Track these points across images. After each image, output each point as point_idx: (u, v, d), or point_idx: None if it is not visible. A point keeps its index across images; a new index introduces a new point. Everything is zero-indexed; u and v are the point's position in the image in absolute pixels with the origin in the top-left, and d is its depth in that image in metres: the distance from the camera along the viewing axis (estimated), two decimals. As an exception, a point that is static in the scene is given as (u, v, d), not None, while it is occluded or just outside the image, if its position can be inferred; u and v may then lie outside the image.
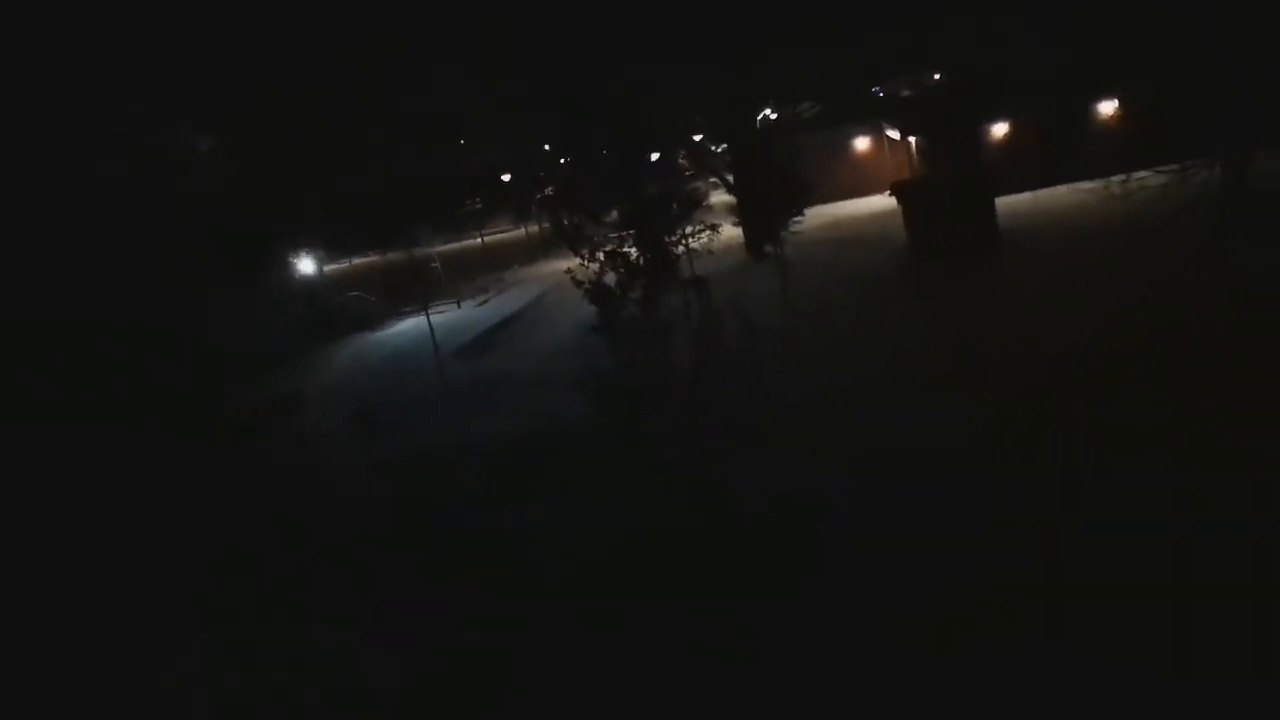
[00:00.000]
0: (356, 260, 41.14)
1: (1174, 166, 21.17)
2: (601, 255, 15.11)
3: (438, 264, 36.53)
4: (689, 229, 24.27)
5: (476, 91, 31.99)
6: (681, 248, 24.23)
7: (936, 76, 36.77)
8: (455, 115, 34.09)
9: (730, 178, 32.04)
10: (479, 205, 47.88)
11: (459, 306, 32.14)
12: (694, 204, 25.10)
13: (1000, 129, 32.74)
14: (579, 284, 13.30)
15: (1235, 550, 8.64)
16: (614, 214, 21.96)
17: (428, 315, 26.04)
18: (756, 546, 10.44)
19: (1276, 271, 16.60)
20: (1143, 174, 21.25)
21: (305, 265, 33.30)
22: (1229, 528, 9.04)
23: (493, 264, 39.53)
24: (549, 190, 32.89)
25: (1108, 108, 30.54)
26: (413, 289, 29.54)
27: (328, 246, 34.31)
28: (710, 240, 24.36)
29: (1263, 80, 18.91)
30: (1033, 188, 29.78)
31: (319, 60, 28.09)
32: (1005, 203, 26.11)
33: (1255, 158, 21.49)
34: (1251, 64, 19.04)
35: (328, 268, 38.25)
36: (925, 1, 29.75)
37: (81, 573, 13.03)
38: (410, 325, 30.13)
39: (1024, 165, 30.20)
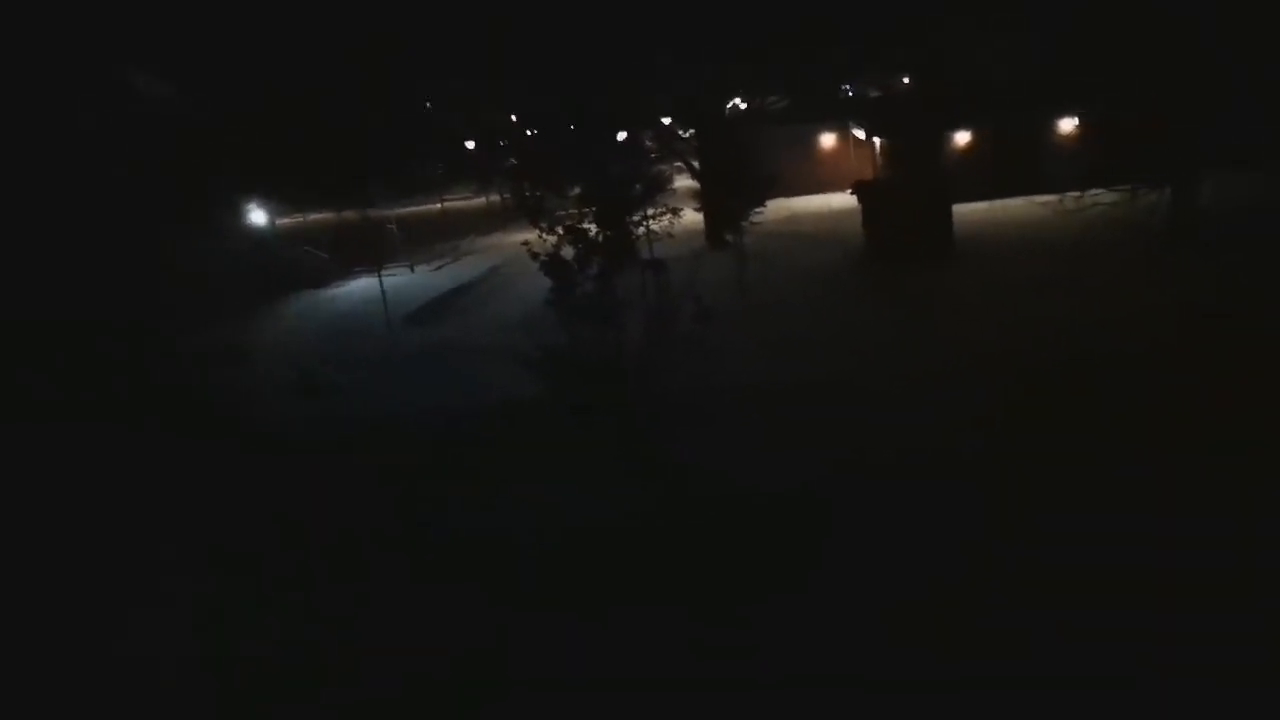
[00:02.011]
0: (311, 216, 40.34)
1: (1125, 187, 21.71)
2: (561, 229, 15.03)
3: (394, 226, 35.94)
4: (651, 211, 24.30)
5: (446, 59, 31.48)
6: (642, 229, 24.30)
7: (906, 80, 37.17)
8: (420, 74, 33.51)
9: (695, 163, 32.03)
10: (440, 170, 47.18)
11: (413, 271, 31.72)
12: (658, 186, 25.18)
13: (963, 137, 33.19)
14: (535, 256, 13.19)
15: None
16: (576, 189, 21.91)
17: (380, 277, 25.65)
18: (708, 534, 10.45)
19: (1208, 291, 17.52)
20: (1096, 192, 21.73)
21: (256, 217, 32.51)
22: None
23: (451, 231, 39.06)
24: (513, 160, 32.55)
25: (1068, 125, 31.14)
26: (367, 250, 29.06)
27: (280, 199, 33.50)
28: (671, 224, 24.42)
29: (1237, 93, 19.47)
30: (990, 197, 30.27)
31: (282, 12, 27.39)
32: (962, 210, 26.53)
33: (1203, 185, 22.14)
34: (1227, 77, 19.55)
35: (279, 221, 37.41)
36: (911, 6, 29.97)
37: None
38: (362, 286, 29.67)
39: (983, 175, 30.66)
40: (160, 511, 12.68)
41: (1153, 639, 7.63)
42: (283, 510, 11.93)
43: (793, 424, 14.00)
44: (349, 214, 31.93)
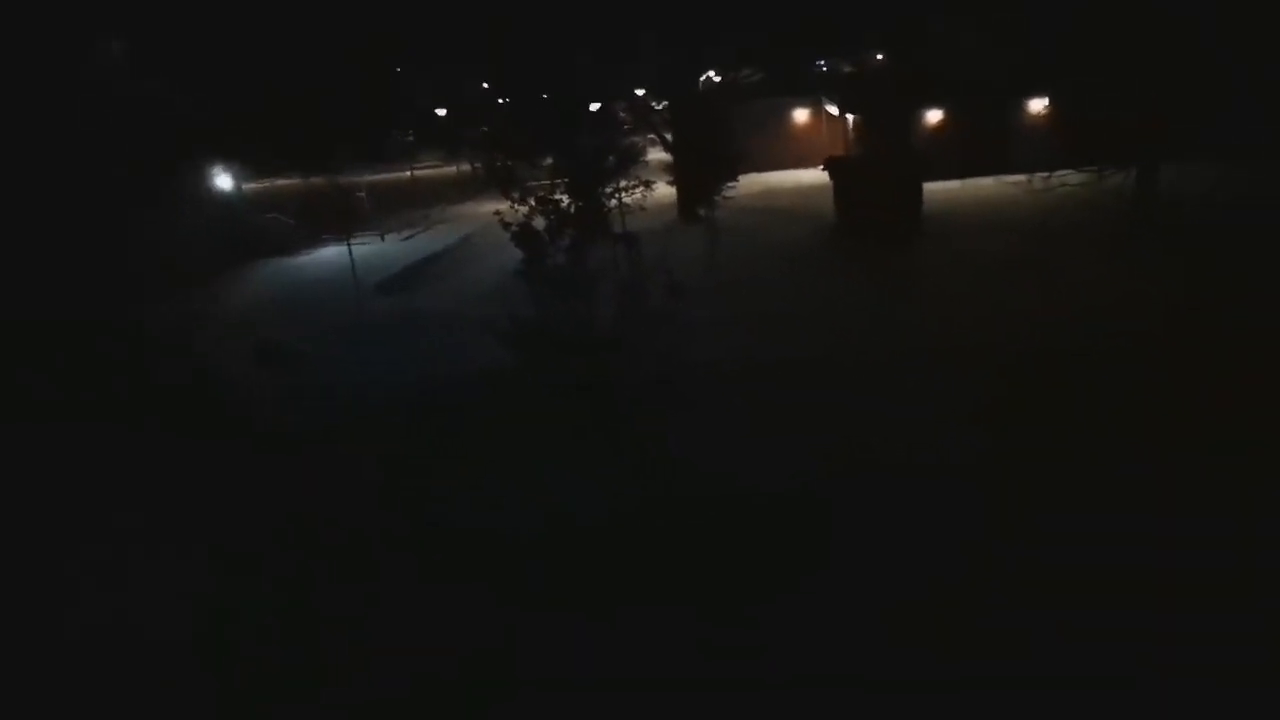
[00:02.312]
0: (279, 182, 39.69)
1: (1092, 169, 22.04)
2: (532, 200, 14.94)
3: (364, 194, 35.49)
4: (623, 183, 24.18)
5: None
6: (614, 201, 24.17)
7: (879, 57, 37.19)
8: (393, 40, 33.00)
9: (669, 136, 31.91)
10: (411, 138, 46.62)
11: (383, 240, 31.38)
12: (631, 159, 25.02)
13: (935, 116, 33.33)
14: (507, 226, 13.13)
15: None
16: (548, 160, 21.71)
17: (349, 245, 25.36)
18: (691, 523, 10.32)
19: (1170, 271, 17.94)
20: (1064, 173, 22.02)
21: (223, 182, 31.92)
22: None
23: (422, 200, 38.62)
24: (484, 129, 32.19)
25: (1038, 106, 31.38)
26: (336, 217, 28.67)
27: (247, 164, 32.91)
28: (644, 197, 24.33)
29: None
30: (960, 176, 30.49)
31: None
32: (933, 188, 26.73)
33: (1161, 170, 22.55)
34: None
35: (247, 186, 36.78)
36: None
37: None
38: (330, 254, 29.32)
39: (954, 154, 30.86)
40: (130, 487, 12.56)
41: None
42: (248, 489, 11.87)
43: (769, 406, 13.93)
44: (318, 181, 31.48)
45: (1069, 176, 21.93)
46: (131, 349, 18.57)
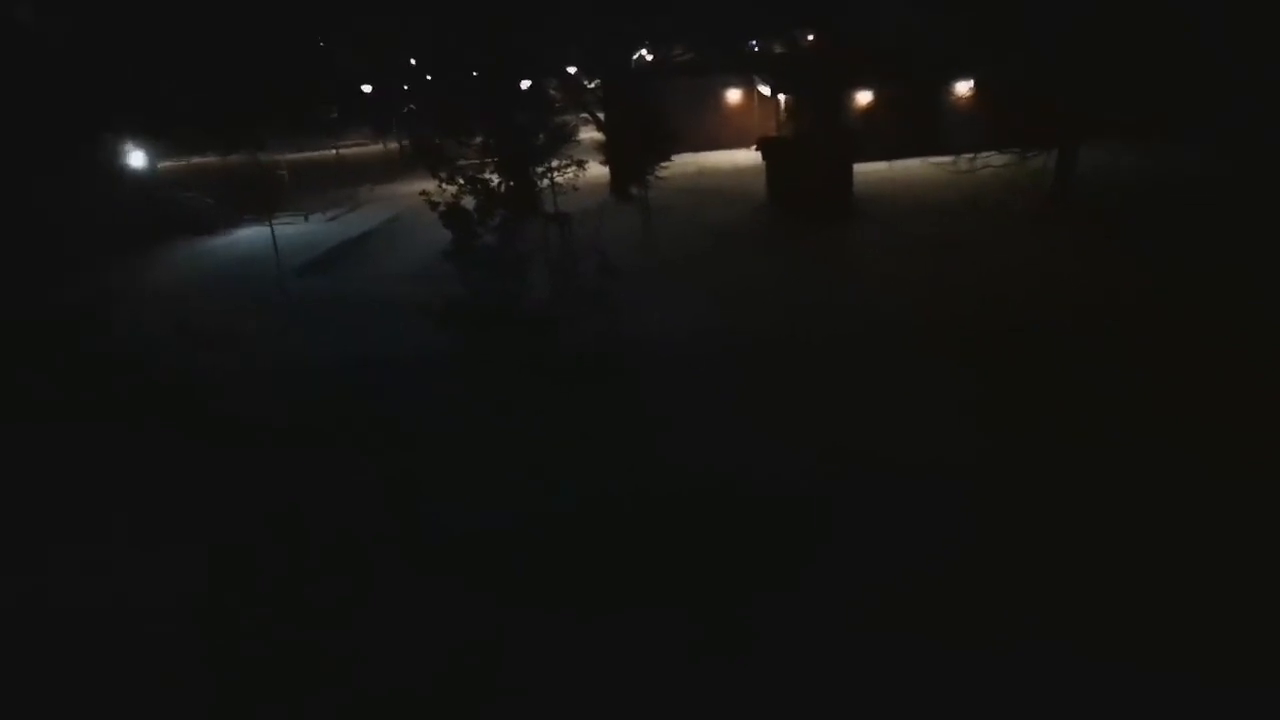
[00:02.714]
0: (195, 159, 38.27)
1: (1015, 151, 22.58)
2: (461, 180, 14.64)
3: (286, 173, 34.42)
4: (555, 163, 23.91)
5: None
6: (546, 181, 23.91)
7: (810, 37, 37.36)
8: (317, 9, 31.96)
9: (601, 115, 31.65)
10: (335, 116, 45.35)
11: (307, 220, 30.50)
12: (562, 137, 24.77)
13: (865, 98, 33.69)
14: (434, 206, 12.83)
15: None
16: (478, 138, 21.33)
17: (271, 226, 24.58)
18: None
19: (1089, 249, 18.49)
20: (988, 154, 22.52)
21: (136, 158, 30.64)
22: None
23: (347, 179, 37.64)
24: (412, 106, 31.49)
25: (964, 88, 31.95)
26: (257, 197, 27.74)
27: (162, 138, 31.61)
28: (576, 176, 24.10)
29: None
30: (890, 158, 30.92)
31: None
32: (863, 169, 27.05)
33: (1080, 149, 23.21)
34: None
35: (162, 164, 35.38)
36: None
37: None
38: (252, 234, 28.38)
39: (884, 135, 31.26)
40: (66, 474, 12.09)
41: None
42: (188, 471, 11.49)
43: (694, 382, 13.96)
44: (238, 158, 30.40)
45: (993, 158, 22.44)
46: (46, 328, 17.83)
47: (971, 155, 22.77)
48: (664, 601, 8.25)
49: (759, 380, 13.76)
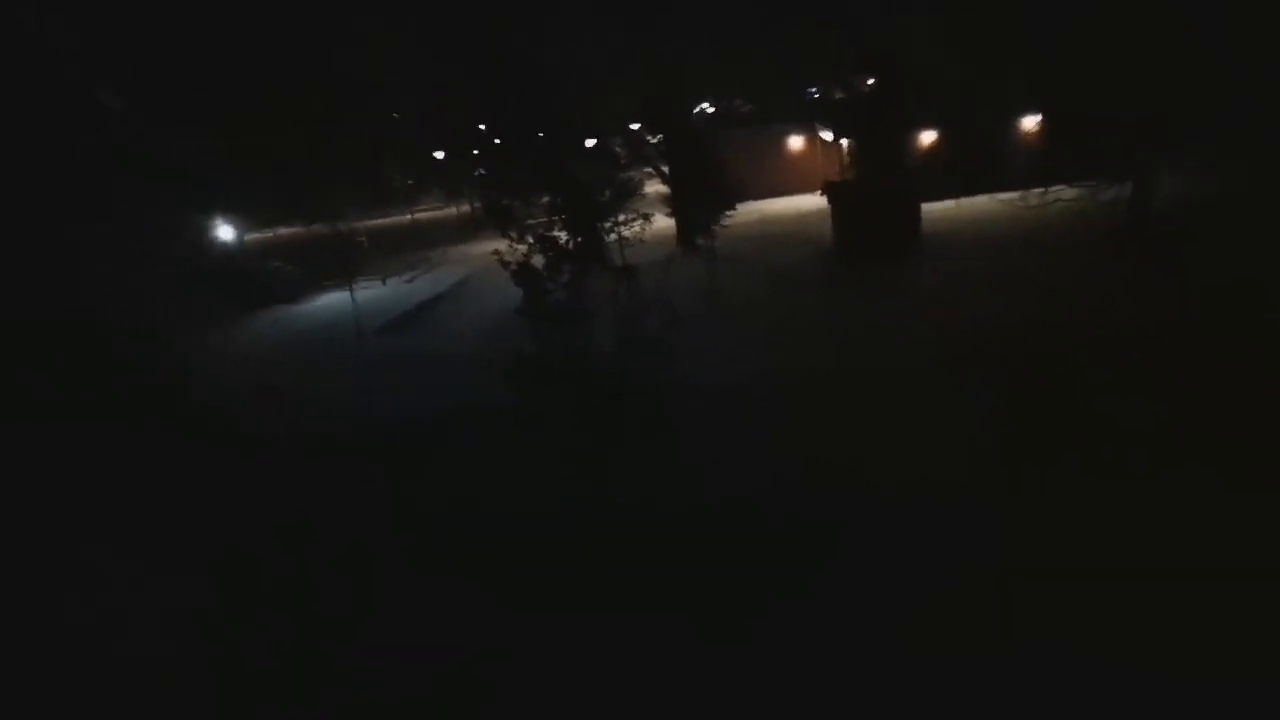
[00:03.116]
0: (281, 231, 40.10)
1: (1088, 183, 22.12)
2: (530, 238, 15.04)
3: (365, 239, 35.80)
4: (621, 217, 24.40)
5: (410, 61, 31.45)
6: (613, 235, 24.38)
7: (870, 81, 37.51)
8: (387, 84, 33.44)
9: (665, 169, 32.19)
10: (410, 183, 47.14)
11: (384, 284, 31.60)
12: (628, 193, 25.27)
13: (929, 137, 33.60)
14: (505, 265, 13.21)
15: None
16: (546, 197, 21.90)
17: (352, 291, 25.55)
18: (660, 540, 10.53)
19: (1161, 285, 18.01)
20: (1058, 188, 22.13)
21: (224, 233, 32.29)
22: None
23: (421, 242, 38.95)
24: (481, 170, 32.47)
25: (1030, 123, 31.62)
26: (338, 264, 28.91)
27: (251, 214, 33.30)
28: (642, 229, 24.53)
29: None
30: (955, 196, 30.67)
31: (246, 22, 27.28)
32: (929, 209, 26.89)
33: (1158, 182, 22.59)
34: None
35: (249, 236, 37.18)
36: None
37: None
38: (334, 300, 29.53)
39: (948, 174, 31.07)
40: (137, 511, 12.72)
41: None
42: (247, 510, 11.95)
43: (761, 427, 14.13)
44: (319, 228, 31.78)
45: (1063, 192, 22.03)
46: (135, 393, 18.75)
47: (1042, 190, 22.42)
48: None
49: (800, 417, 14.40)
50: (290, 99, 28.20)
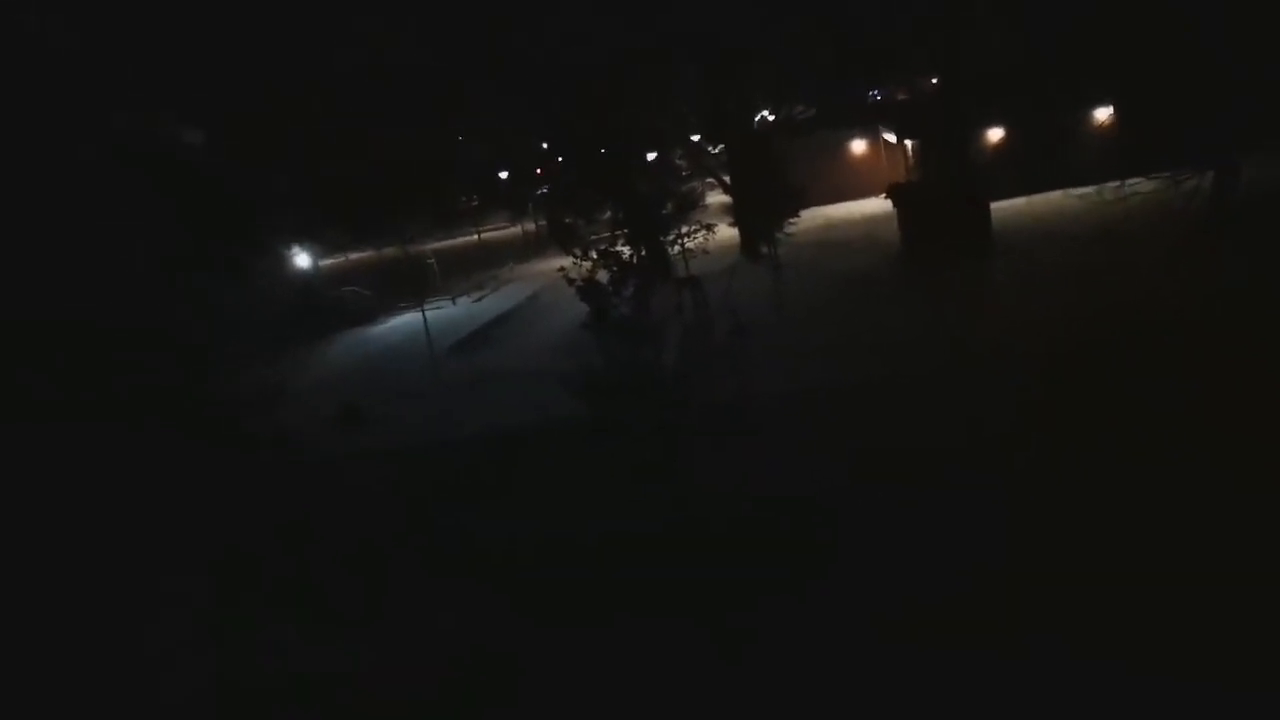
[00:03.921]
0: (353, 255, 41.18)
1: (1165, 174, 21.28)
2: (595, 254, 15.18)
3: (434, 261, 36.53)
4: (684, 229, 24.43)
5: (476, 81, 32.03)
6: (676, 247, 24.43)
7: (934, 81, 36.92)
8: (453, 106, 34.13)
9: (727, 179, 32.14)
10: (475, 202, 47.97)
11: (454, 303, 32.20)
12: (689, 204, 25.31)
13: (995, 134, 32.87)
14: (571, 282, 13.36)
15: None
16: (608, 213, 22.11)
17: (423, 311, 26.10)
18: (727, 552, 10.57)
19: (1254, 279, 17.08)
20: (1134, 181, 21.35)
21: (300, 259, 33.33)
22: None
23: (488, 261, 39.59)
24: (545, 189, 32.91)
25: (1102, 114, 30.68)
26: (409, 285, 29.57)
27: (324, 240, 34.33)
28: (705, 240, 24.52)
29: (1263, 79, 19.02)
30: (1026, 193, 29.89)
31: (314, 53, 28.17)
32: (999, 207, 26.26)
33: (1243, 168, 21.67)
34: (1252, 62, 19.12)
35: (323, 262, 38.29)
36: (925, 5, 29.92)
37: (79, 572, 13.12)
38: (405, 321, 30.19)
39: (1018, 170, 30.32)
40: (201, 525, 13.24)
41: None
42: (332, 536, 12.30)
43: (828, 433, 14.03)
44: (389, 251, 32.55)
45: (1139, 185, 21.25)
46: (214, 420, 19.39)
47: (1117, 183, 21.67)
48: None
49: (856, 418, 14.48)
50: (349, 120, 29.00)
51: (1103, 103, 30.04)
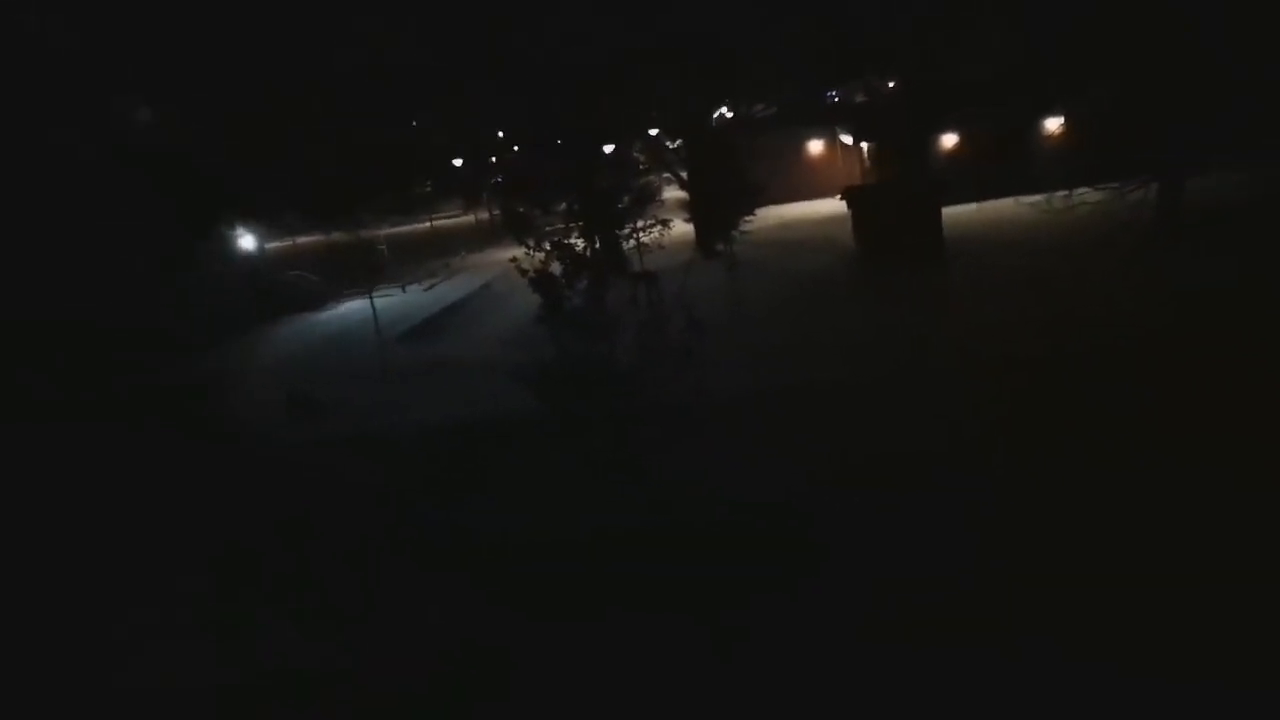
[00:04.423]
0: (300, 239, 40.26)
1: (1113, 185, 21.73)
2: (549, 245, 14.98)
3: (384, 247, 35.84)
4: (640, 223, 24.29)
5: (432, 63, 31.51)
6: (632, 241, 24.28)
7: (891, 85, 37.26)
8: (408, 91, 33.54)
9: (684, 174, 32.04)
10: (429, 189, 47.25)
11: (404, 291, 31.64)
12: (646, 199, 25.18)
13: (950, 140, 33.27)
14: (524, 273, 13.14)
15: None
16: (564, 205, 21.87)
17: (372, 299, 25.58)
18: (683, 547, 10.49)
19: (1194, 285, 17.62)
20: (1083, 190, 21.75)
21: (246, 241, 32.46)
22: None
23: (440, 249, 39.00)
24: (500, 178, 32.51)
25: (1053, 124, 31.23)
26: (358, 271, 28.94)
27: (270, 223, 33.47)
28: (661, 235, 24.40)
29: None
30: (979, 199, 30.32)
31: (268, 26, 27.45)
32: (951, 212, 26.57)
33: (1189, 180, 22.19)
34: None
35: (270, 245, 37.36)
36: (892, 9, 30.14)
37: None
38: (354, 308, 29.59)
39: (971, 176, 30.71)
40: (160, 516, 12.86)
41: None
42: (273, 517, 12.00)
43: (778, 432, 14.03)
44: (339, 236, 31.85)
45: (1088, 194, 21.66)
46: (161, 402, 18.93)
47: (1066, 193, 22.07)
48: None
49: (807, 419, 14.56)
50: (305, 102, 28.31)
51: (1054, 112, 30.53)
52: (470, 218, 46.63)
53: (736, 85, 33.36)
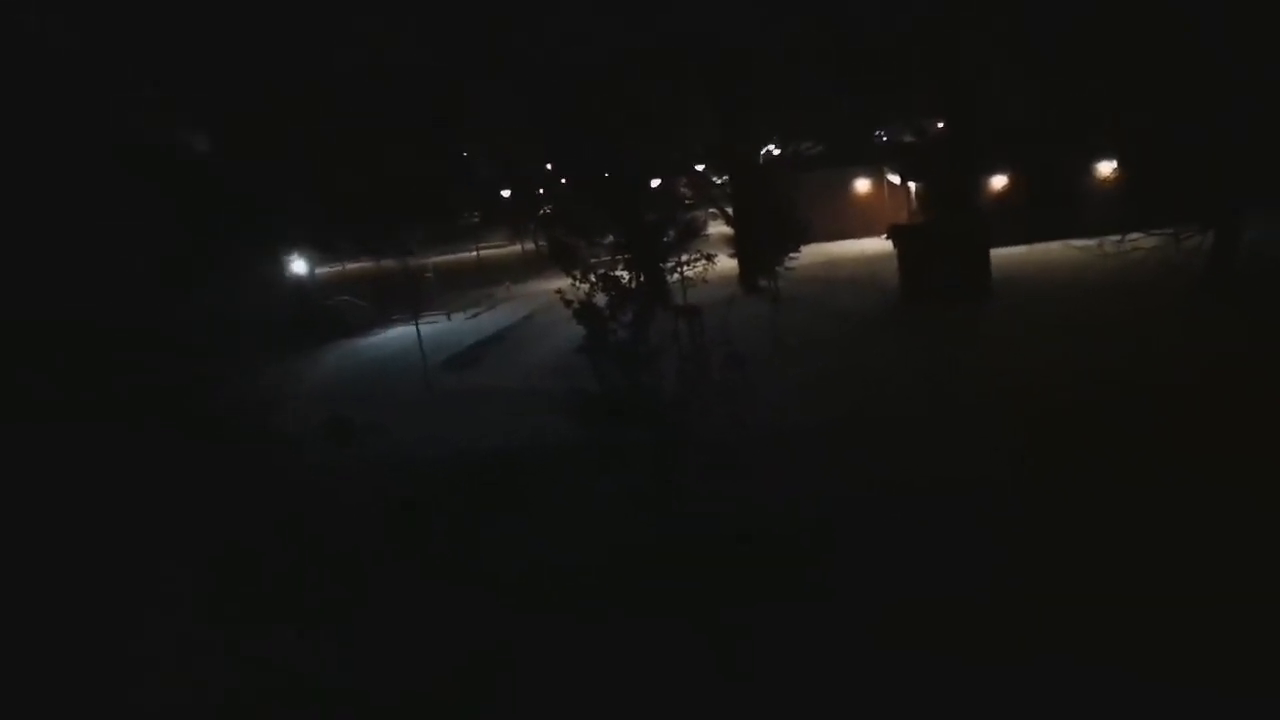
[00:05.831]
0: (350, 265, 41.08)
1: (1167, 230, 21.31)
2: (594, 277, 15.07)
3: (431, 274, 36.45)
4: (684, 257, 24.39)
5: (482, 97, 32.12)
6: (676, 275, 24.37)
7: (940, 125, 37.20)
8: (457, 123, 34.22)
9: (729, 210, 32.19)
10: (476, 219, 48.01)
11: (449, 319, 32.04)
12: (691, 233, 25.30)
13: (999, 181, 33.02)
14: (568, 304, 13.23)
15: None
16: (609, 237, 22.05)
17: (417, 325, 25.94)
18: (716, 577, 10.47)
19: (1247, 338, 17.22)
20: (1136, 235, 21.37)
21: (297, 266, 33.18)
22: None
23: (486, 279, 39.50)
24: (546, 209, 32.94)
25: (1106, 168, 30.85)
26: (404, 298, 29.44)
27: (322, 248, 34.23)
28: (705, 270, 24.46)
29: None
30: (1027, 241, 29.98)
31: (320, 62, 28.22)
32: (999, 254, 26.28)
33: (1244, 229, 21.69)
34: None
35: (320, 270, 38.16)
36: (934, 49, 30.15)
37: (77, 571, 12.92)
38: (399, 334, 30.02)
39: (1020, 219, 30.41)
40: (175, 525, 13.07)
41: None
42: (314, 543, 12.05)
43: (817, 467, 14.02)
44: (388, 263, 32.47)
45: (1141, 240, 21.27)
46: (206, 427, 19.18)
47: (1118, 237, 21.68)
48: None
49: (847, 455, 14.51)
50: (357, 132, 29.00)
51: (1108, 154, 30.16)
52: (516, 248, 47.20)
53: (784, 119, 33.50)
